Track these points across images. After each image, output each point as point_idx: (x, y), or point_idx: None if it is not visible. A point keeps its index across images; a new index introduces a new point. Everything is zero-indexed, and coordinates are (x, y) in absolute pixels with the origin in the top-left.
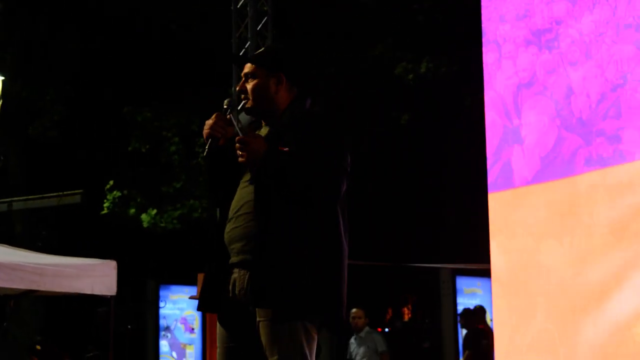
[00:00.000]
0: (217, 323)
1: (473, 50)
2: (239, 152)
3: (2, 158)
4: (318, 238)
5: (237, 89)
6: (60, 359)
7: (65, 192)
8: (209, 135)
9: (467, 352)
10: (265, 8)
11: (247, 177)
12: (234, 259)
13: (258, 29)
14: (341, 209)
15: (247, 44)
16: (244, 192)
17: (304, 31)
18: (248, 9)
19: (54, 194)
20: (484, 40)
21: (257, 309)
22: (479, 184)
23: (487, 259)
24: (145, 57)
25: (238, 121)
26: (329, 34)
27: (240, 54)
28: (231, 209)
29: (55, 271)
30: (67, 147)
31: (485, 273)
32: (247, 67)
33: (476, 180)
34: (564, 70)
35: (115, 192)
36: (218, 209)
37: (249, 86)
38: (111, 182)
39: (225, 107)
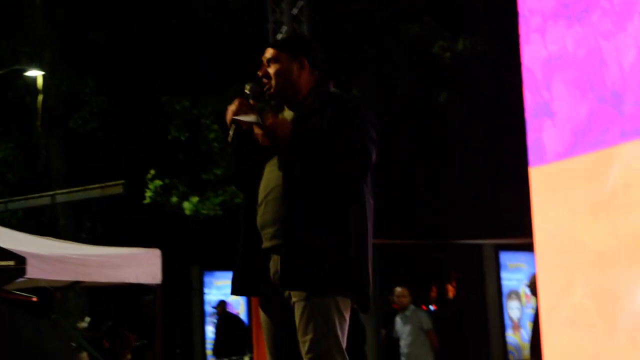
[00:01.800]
0: (260, 309)
1: (510, 26)
2: (263, 138)
3: (44, 152)
4: (345, 220)
5: (260, 74)
6: (129, 342)
7: (107, 183)
8: (233, 121)
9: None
10: None
11: (274, 160)
12: (267, 244)
13: (294, 13)
14: (367, 187)
15: (284, 29)
16: (272, 177)
17: (339, 14)
18: None
19: (97, 185)
20: (519, 15)
21: (291, 292)
22: (521, 159)
23: (530, 233)
24: (182, 45)
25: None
26: (366, 16)
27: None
28: (260, 193)
29: (100, 262)
30: (108, 138)
31: (529, 247)
32: (269, 52)
33: (518, 156)
34: (595, 41)
35: (156, 181)
36: (244, 194)
37: (272, 70)
38: (152, 172)
39: (247, 92)
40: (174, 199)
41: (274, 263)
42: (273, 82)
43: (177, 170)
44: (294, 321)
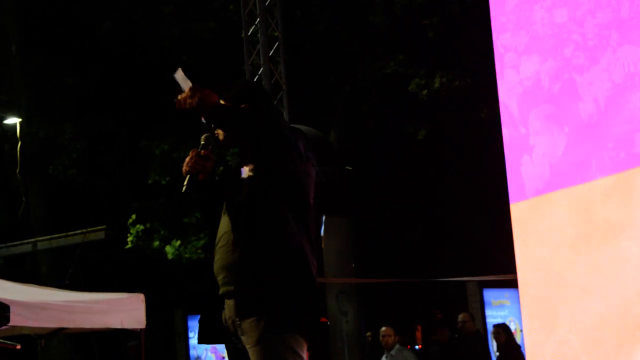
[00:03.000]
0: (226, 353)
1: (485, 62)
2: (188, 100)
3: (24, 199)
4: (286, 262)
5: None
6: None
7: (89, 229)
8: (187, 172)
9: None
10: (276, 33)
11: (224, 207)
12: (220, 290)
13: (270, 54)
14: (310, 223)
15: (260, 70)
16: (222, 224)
17: (315, 53)
18: (259, 35)
19: (78, 231)
20: (494, 51)
21: (242, 337)
22: (501, 195)
23: (513, 270)
24: (158, 89)
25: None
26: (341, 54)
27: (255, 79)
28: (216, 241)
29: (84, 308)
30: (88, 184)
31: (513, 284)
32: None
33: (498, 192)
34: (569, 76)
35: (138, 226)
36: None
37: None
38: (133, 216)
39: (202, 142)
40: (156, 243)
41: (228, 308)
42: (221, 133)
43: (159, 214)
44: None
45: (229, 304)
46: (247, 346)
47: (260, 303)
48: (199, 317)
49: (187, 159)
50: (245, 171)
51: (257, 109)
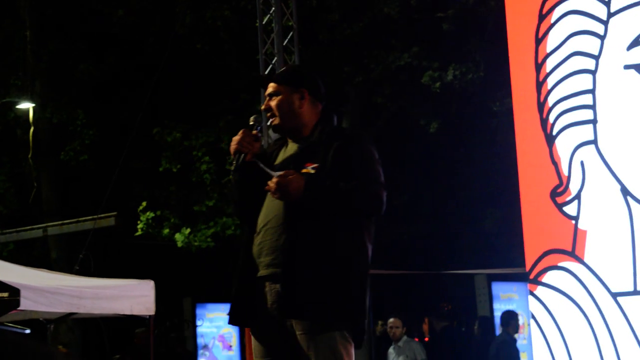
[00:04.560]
0: (252, 337)
1: (499, 55)
2: (275, 192)
3: (35, 185)
4: (347, 249)
5: (262, 108)
6: None
7: (99, 215)
8: (236, 151)
9: None
10: (291, 23)
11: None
12: (263, 272)
13: (284, 44)
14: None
15: (274, 59)
16: (271, 205)
17: (329, 43)
18: (273, 25)
19: (89, 217)
20: (508, 44)
21: (294, 322)
22: (512, 189)
23: (522, 263)
24: (173, 77)
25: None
26: (355, 45)
27: (267, 70)
28: (259, 222)
29: (93, 293)
30: (99, 170)
31: (521, 277)
32: (270, 87)
33: (509, 185)
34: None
35: (148, 213)
36: (245, 223)
37: (273, 103)
38: (144, 204)
39: (251, 123)
40: (166, 231)
41: (271, 292)
42: (276, 114)
43: (169, 202)
44: (291, 350)
45: (271, 287)
46: (298, 332)
47: (318, 292)
48: (231, 296)
49: (237, 137)
50: (308, 168)
51: (317, 96)
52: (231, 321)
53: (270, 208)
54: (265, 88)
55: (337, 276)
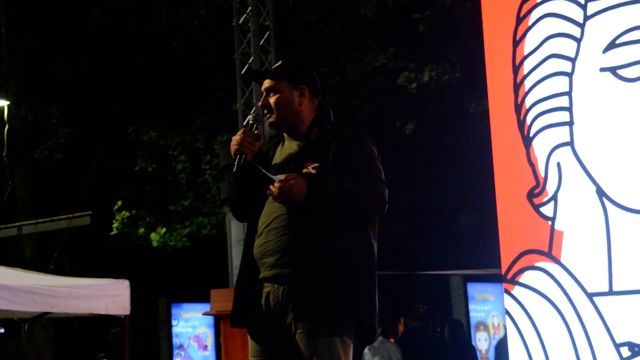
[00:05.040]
0: (249, 337)
1: (475, 56)
2: (276, 196)
3: (9, 183)
4: (353, 247)
5: (260, 104)
6: None
7: (74, 214)
8: (237, 151)
9: None
10: (267, 22)
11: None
12: (266, 273)
13: (261, 44)
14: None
15: (251, 59)
16: (273, 206)
17: (305, 44)
18: (250, 24)
19: (64, 216)
20: (485, 45)
21: (295, 321)
22: (487, 190)
23: (497, 264)
24: (148, 76)
25: (266, 167)
26: (331, 46)
27: (244, 70)
28: (260, 223)
29: (68, 292)
30: (74, 169)
31: (497, 278)
32: (268, 82)
33: (484, 186)
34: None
35: (124, 212)
36: (246, 224)
37: (272, 100)
38: (119, 203)
39: (251, 122)
40: (141, 230)
41: (275, 293)
42: (275, 112)
43: (145, 201)
44: (289, 350)
45: (275, 288)
46: (300, 330)
47: (323, 296)
48: (234, 298)
49: (238, 137)
50: (308, 167)
51: (315, 91)
52: (233, 324)
53: (272, 208)
54: (261, 83)
55: (344, 276)
